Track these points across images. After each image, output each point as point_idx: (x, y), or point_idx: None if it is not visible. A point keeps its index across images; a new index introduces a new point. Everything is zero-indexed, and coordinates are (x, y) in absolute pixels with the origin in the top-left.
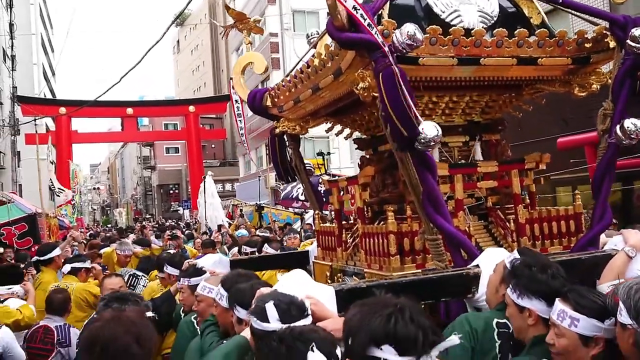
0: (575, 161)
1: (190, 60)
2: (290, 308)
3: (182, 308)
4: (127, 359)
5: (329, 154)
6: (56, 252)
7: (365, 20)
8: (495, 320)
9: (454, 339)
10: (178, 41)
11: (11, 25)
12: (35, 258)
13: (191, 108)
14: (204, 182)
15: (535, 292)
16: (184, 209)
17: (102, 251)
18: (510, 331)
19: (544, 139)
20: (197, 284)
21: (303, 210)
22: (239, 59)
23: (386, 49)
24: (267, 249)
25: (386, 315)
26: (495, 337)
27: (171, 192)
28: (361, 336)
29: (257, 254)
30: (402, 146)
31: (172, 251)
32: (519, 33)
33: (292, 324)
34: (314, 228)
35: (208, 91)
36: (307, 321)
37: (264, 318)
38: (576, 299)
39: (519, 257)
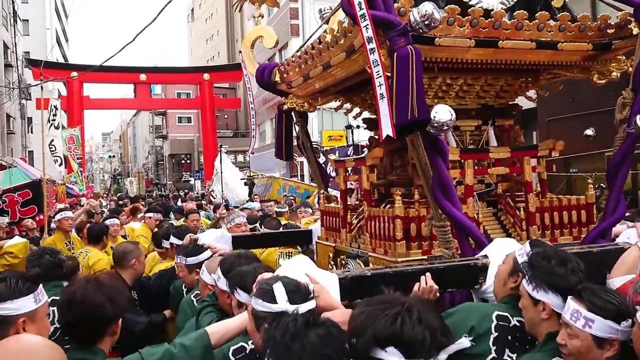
0: None
1: (204, 30)
2: (298, 290)
3: (183, 284)
4: (99, 316)
5: (357, 127)
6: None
7: None
8: (496, 312)
9: (464, 342)
10: (192, 9)
11: None
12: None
13: (206, 76)
14: (218, 158)
15: (551, 286)
16: (195, 180)
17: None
18: (511, 325)
19: (600, 111)
20: (194, 264)
21: None
22: (248, 32)
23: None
24: (263, 229)
25: (392, 315)
26: (492, 329)
27: (183, 162)
28: (365, 337)
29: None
30: (404, 129)
31: None
32: (540, 16)
33: (299, 307)
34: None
35: (222, 60)
36: (312, 304)
37: (271, 299)
38: (591, 298)
39: (530, 249)
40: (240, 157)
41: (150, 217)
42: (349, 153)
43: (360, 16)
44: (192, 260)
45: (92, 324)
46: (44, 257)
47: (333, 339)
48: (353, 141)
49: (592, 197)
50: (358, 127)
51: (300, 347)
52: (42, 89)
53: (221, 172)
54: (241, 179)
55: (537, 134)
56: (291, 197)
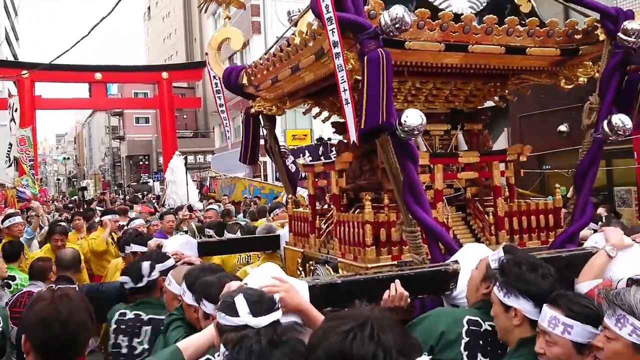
0: None
1: (161, 28)
2: (261, 301)
3: None
4: (85, 332)
5: (329, 139)
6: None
7: None
8: (467, 317)
9: None
10: (149, 8)
11: None
12: None
13: (164, 74)
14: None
15: (522, 292)
16: (154, 181)
17: None
18: (483, 330)
19: (575, 107)
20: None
21: None
22: (215, 34)
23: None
24: (227, 235)
25: (344, 332)
26: (463, 334)
27: (141, 163)
28: (318, 354)
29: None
30: (371, 134)
31: None
32: (509, 21)
33: (262, 318)
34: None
35: (180, 59)
36: (278, 315)
37: (234, 312)
38: (568, 304)
39: (504, 254)
40: (200, 158)
41: (109, 219)
42: (320, 152)
43: (327, 19)
44: (158, 267)
45: (76, 344)
46: None
47: (299, 356)
48: (322, 139)
49: (559, 201)
50: (329, 139)
51: None
52: None
53: (185, 175)
54: (194, 181)
55: (509, 130)
56: (252, 200)
